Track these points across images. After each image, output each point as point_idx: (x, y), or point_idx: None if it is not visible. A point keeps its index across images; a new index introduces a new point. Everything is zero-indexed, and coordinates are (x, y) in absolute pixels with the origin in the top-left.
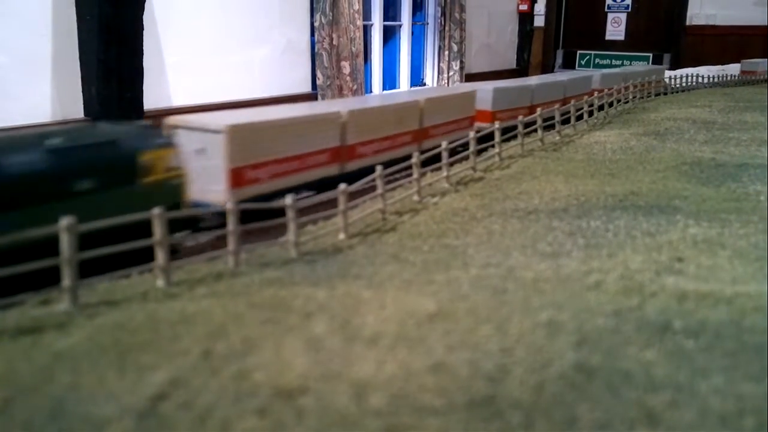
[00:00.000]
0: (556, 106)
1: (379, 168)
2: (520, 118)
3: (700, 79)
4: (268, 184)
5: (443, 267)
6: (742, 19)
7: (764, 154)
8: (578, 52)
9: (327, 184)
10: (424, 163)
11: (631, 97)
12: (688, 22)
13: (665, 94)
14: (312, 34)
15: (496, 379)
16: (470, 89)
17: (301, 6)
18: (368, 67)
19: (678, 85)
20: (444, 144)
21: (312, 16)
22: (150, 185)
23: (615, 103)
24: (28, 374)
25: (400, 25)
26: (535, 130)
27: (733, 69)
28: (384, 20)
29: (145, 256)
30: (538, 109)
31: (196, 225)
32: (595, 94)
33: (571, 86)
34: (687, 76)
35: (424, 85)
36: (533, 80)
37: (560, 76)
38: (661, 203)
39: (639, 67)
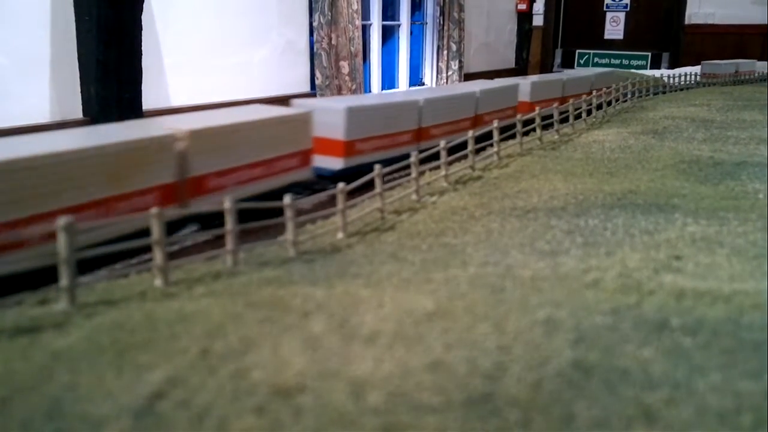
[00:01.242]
0: (470, 132)
1: (377, 167)
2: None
3: (697, 78)
4: None
5: (442, 266)
6: (740, 17)
7: (763, 152)
8: (577, 51)
9: None
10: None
11: (629, 95)
12: (686, 21)
13: (664, 92)
14: (311, 34)
15: (494, 376)
16: (301, 111)
17: (299, 6)
18: (367, 66)
19: (676, 83)
20: (442, 145)
21: (311, 16)
22: None
23: (613, 101)
24: (26, 374)
25: (399, 25)
26: (534, 129)
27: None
28: (383, 20)
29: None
30: (441, 141)
31: None
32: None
33: (485, 100)
34: (685, 75)
35: (423, 84)
36: (423, 93)
37: (471, 86)
38: (659, 201)
39: (584, 71)
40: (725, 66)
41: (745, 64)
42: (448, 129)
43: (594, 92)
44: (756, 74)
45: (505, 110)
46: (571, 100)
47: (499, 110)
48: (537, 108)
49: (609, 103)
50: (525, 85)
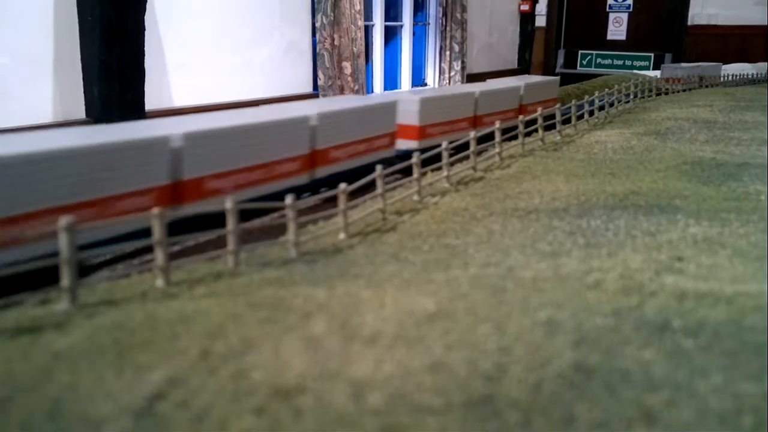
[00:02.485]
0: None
1: (378, 168)
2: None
3: (739, 76)
4: None
5: (443, 266)
6: (743, 18)
7: (765, 153)
8: (580, 52)
9: None
10: None
11: (632, 96)
12: (689, 22)
13: (666, 93)
14: (313, 35)
15: (494, 378)
16: None
17: (302, 6)
18: (370, 67)
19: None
20: (445, 144)
21: (313, 16)
22: None
23: (616, 102)
24: (26, 374)
25: (402, 26)
26: (536, 130)
27: (735, 69)
28: (385, 20)
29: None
30: (227, 200)
31: None
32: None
33: (330, 129)
34: (725, 74)
35: (426, 85)
36: (195, 123)
37: (306, 107)
38: (661, 202)
39: (512, 81)
40: (688, 70)
41: (709, 68)
42: (247, 179)
43: (536, 109)
44: (723, 79)
45: (371, 141)
46: (496, 123)
47: (356, 141)
48: (431, 135)
49: (611, 104)
50: (410, 102)
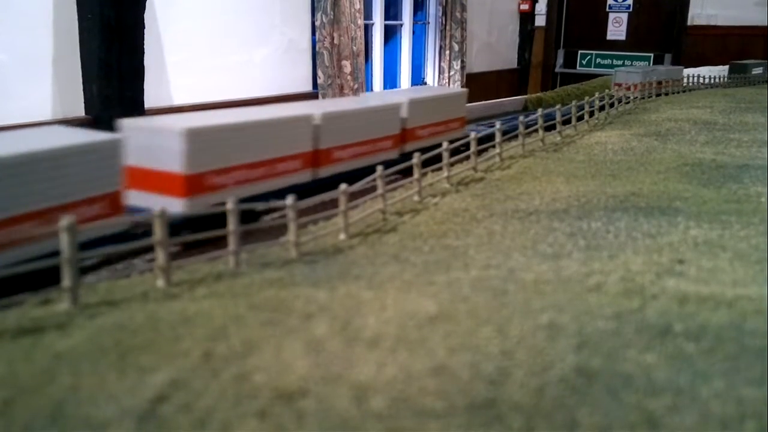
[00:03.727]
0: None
1: (379, 168)
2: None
3: (701, 80)
4: None
5: (444, 268)
6: (743, 19)
7: (765, 155)
8: (579, 51)
9: None
10: None
11: (631, 98)
12: (689, 22)
13: (666, 94)
14: (313, 33)
15: (497, 382)
16: None
17: (302, 5)
18: (369, 66)
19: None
20: (445, 144)
21: (313, 15)
22: None
23: (616, 103)
24: (28, 375)
25: (401, 25)
26: (536, 131)
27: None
28: (385, 19)
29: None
30: None
31: None
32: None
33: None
34: (687, 77)
35: (425, 84)
36: None
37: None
38: (662, 204)
39: (382, 97)
40: (643, 74)
41: (670, 72)
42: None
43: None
44: (687, 83)
45: (50, 213)
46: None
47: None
48: (219, 186)
49: (611, 105)
50: (167, 135)
